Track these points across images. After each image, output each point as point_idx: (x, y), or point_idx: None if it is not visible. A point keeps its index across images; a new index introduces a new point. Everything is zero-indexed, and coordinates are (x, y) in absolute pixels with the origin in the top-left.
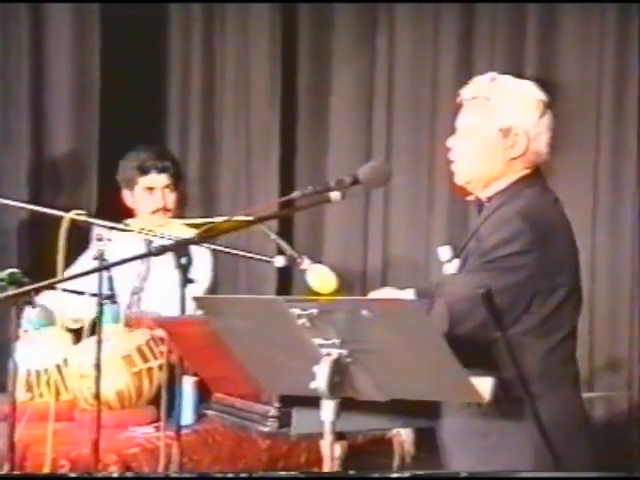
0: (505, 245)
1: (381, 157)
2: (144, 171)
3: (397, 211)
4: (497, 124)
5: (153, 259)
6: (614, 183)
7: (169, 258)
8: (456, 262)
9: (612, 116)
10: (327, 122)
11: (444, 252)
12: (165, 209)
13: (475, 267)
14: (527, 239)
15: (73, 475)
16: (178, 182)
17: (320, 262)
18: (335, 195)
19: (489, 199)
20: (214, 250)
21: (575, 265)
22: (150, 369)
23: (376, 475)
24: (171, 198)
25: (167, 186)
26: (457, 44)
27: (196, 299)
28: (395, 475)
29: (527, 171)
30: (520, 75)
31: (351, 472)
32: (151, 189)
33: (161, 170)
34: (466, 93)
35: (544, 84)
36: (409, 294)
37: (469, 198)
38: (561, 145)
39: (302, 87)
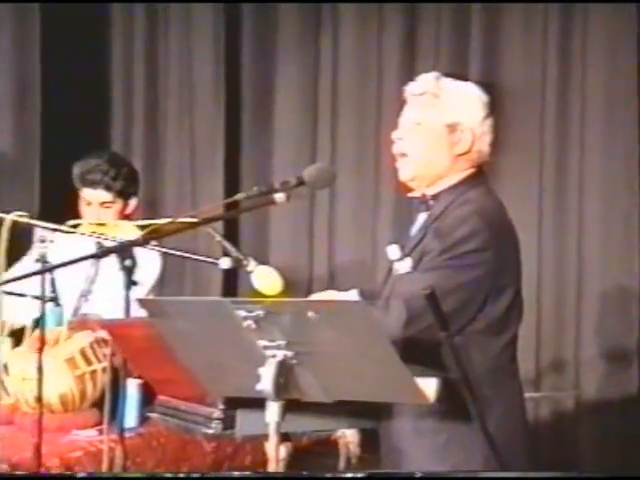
0: (465, 242)
1: (326, 158)
2: (82, 184)
3: (343, 212)
4: (444, 120)
5: (102, 262)
6: (559, 185)
7: (116, 260)
8: (408, 261)
9: (556, 117)
10: (272, 123)
11: (393, 251)
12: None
13: (434, 264)
14: (484, 237)
15: (74, 475)
16: (121, 198)
17: (266, 264)
18: (280, 197)
19: (435, 197)
20: (161, 252)
21: (519, 268)
22: (94, 372)
23: (377, 475)
24: (107, 215)
25: (103, 203)
26: (401, 44)
27: (140, 301)
28: (399, 474)
29: (472, 170)
30: (464, 76)
31: (351, 472)
32: (89, 203)
33: (98, 186)
34: (413, 89)
35: (487, 85)
36: (353, 295)
37: (412, 195)
38: (506, 146)
39: (246, 88)
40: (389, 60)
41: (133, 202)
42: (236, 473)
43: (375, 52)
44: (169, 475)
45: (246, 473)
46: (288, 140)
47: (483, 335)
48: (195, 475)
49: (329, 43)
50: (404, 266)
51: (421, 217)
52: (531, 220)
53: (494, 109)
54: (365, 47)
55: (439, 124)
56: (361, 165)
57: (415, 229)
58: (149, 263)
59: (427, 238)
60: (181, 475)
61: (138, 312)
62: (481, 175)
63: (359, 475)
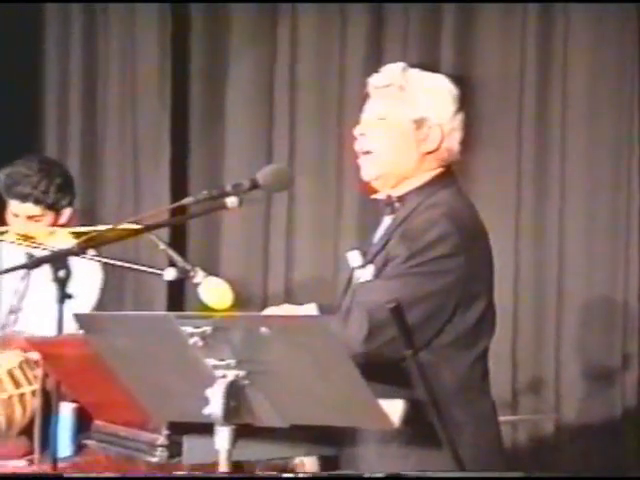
0: (433, 248)
1: (283, 158)
2: (8, 195)
3: (302, 217)
4: (411, 115)
5: (34, 274)
6: (538, 187)
7: (49, 272)
8: (370, 268)
9: (535, 112)
10: (223, 120)
11: (354, 257)
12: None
13: (399, 271)
14: (454, 242)
15: (74, 475)
16: (53, 211)
17: (216, 275)
18: (232, 201)
19: (400, 198)
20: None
21: (492, 276)
22: (22, 395)
23: (380, 475)
24: (34, 229)
25: (31, 217)
26: (367, 32)
27: (76, 316)
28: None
29: (440, 170)
30: (435, 68)
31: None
32: (16, 215)
33: (26, 199)
34: (377, 81)
35: (459, 78)
36: (311, 309)
37: (376, 196)
38: (479, 144)
39: (195, 81)
40: (353, 50)
41: (67, 212)
42: (236, 474)
43: (337, 41)
44: (169, 475)
45: (245, 473)
46: (241, 138)
47: (451, 349)
48: (196, 475)
49: (287, 32)
50: (366, 274)
51: (386, 221)
52: (507, 224)
53: (466, 104)
54: (327, 36)
55: (405, 119)
56: (322, 166)
57: (379, 234)
58: (88, 275)
59: (392, 243)
60: (181, 475)
61: (73, 328)
62: (450, 175)
63: (360, 475)
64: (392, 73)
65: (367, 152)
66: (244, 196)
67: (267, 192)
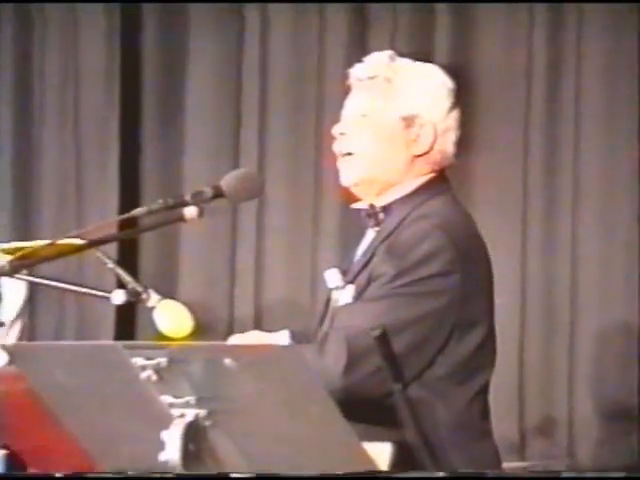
0: (423, 265)
1: (252, 161)
2: None
3: (273, 230)
4: (399, 111)
5: None
6: (548, 196)
7: None
8: (351, 289)
9: (545, 110)
10: (182, 119)
11: (333, 277)
12: None
13: (384, 292)
14: (448, 258)
15: (74, 476)
16: None
17: (173, 297)
18: (191, 211)
19: (386, 208)
20: (31, 283)
21: (492, 298)
22: None
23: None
24: None
25: None
26: (349, 17)
27: (5, 347)
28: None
29: (432, 175)
30: (427, 58)
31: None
32: None
33: None
34: (360, 72)
35: (455, 70)
36: (283, 337)
37: (358, 205)
38: (479, 146)
39: (149, 76)
40: (333, 38)
41: None
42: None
43: (315, 28)
44: (169, 475)
45: (247, 473)
46: (203, 140)
47: (446, 383)
48: (197, 475)
49: (256, 14)
50: (346, 295)
51: (369, 234)
52: (512, 238)
53: (463, 99)
54: (303, 21)
55: (392, 116)
56: (297, 170)
57: (361, 249)
58: (14, 298)
59: (376, 260)
60: (182, 475)
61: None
62: (444, 181)
63: (360, 475)
64: (377, 63)
65: (347, 154)
66: (206, 206)
67: (233, 201)
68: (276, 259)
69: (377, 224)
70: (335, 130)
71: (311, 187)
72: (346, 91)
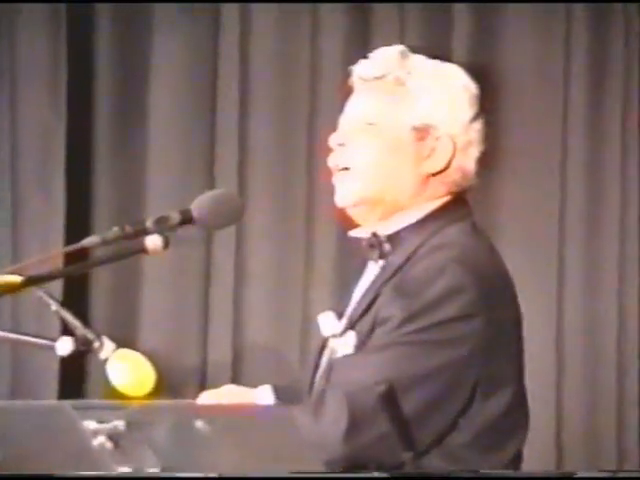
0: (438, 306)
1: (229, 180)
2: None
3: (255, 263)
4: (411, 119)
5: None
6: (590, 218)
7: None
8: (351, 336)
9: (585, 117)
10: (143, 128)
11: (328, 321)
12: None
13: (390, 340)
14: (470, 298)
15: (74, 475)
16: None
17: (132, 346)
18: (155, 241)
19: (393, 237)
20: None
21: (522, 348)
22: None
23: (383, 475)
24: None
25: None
26: (348, 8)
27: None
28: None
29: (449, 198)
30: (444, 54)
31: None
32: None
33: None
34: (366, 70)
35: (480, 71)
36: (265, 394)
37: (357, 233)
38: (509, 161)
39: (102, 82)
40: (329, 31)
41: None
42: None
43: (306, 22)
44: (170, 475)
45: (252, 473)
46: (169, 155)
47: (468, 453)
48: (196, 475)
49: (235, 11)
50: (345, 344)
51: (372, 269)
52: (546, 276)
53: (487, 107)
54: (291, 14)
55: (403, 125)
56: (284, 191)
57: (363, 288)
58: None
59: (381, 300)
60: (182, 475)
61: None
62: (463, 205)
63: (360, 475)
64: (386, 60)
65: (346, 168)
66: (173, 234)
67: (206, 229)
68: (258, 299)
69: (382, 257)
70: (332, 140)
71: (301, 211)
72: (346, 93)
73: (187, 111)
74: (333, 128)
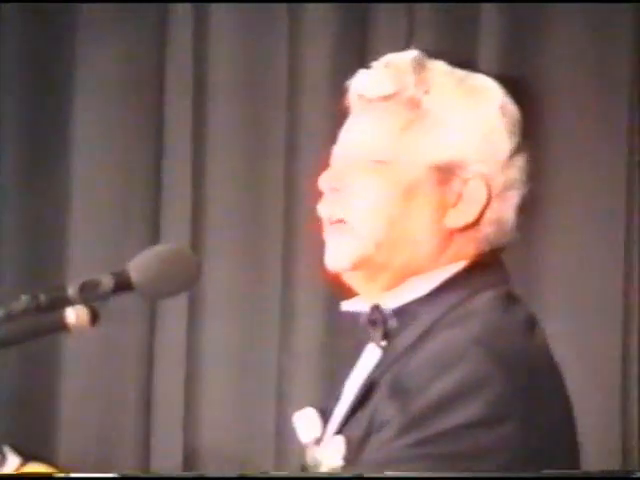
0: (452, 406)
1: (181, 231)
2: None
3: (214, 343)
4: (430, 155)
5: None
6: None
7: None
8: (339, 443)
9: None
10: (64, 160)
11: (309, 422)
12: None
13: (386, 453)
14: (497, 392)
15: (74, 476)
16: None
17: (46, 460)
18: (79, 314)
19: (400, 311)
20: None
21: (576, 463)
22: None
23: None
24: None
25: None
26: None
27: None
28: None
29: (476, 259)
30: (470, 61)
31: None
32: None
33: None
34: (369, 88)
35: (515, 83)
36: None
37: (353, 306)
38: (559, 206)
39: (12, 97)
40: (314, 36)
41: None
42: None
43: (286, 14)
44: (169, 475)
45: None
46: (98, 193)
47: None
48: (195, 475)
49: (187, 9)
50: (331, 454)
51: (371, 353)
52: (607, 363)
53: (531, 135)
54: (264, 12)
55: (419, 164)
56: (255, 245)
57: (358, 378)
58: None
59: (379, 396)
60: (182, 475)
61: None
62: (497, 268)
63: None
64: (397, 72)
65: (341, 221)
66: (104, 304)
67: (148, 297)
68: (218, 390)
69: (386, 337)
70: (323, 183)
71: (277, 272)
72: (340, 115)
73: (123, 137)
74: (324, 163)
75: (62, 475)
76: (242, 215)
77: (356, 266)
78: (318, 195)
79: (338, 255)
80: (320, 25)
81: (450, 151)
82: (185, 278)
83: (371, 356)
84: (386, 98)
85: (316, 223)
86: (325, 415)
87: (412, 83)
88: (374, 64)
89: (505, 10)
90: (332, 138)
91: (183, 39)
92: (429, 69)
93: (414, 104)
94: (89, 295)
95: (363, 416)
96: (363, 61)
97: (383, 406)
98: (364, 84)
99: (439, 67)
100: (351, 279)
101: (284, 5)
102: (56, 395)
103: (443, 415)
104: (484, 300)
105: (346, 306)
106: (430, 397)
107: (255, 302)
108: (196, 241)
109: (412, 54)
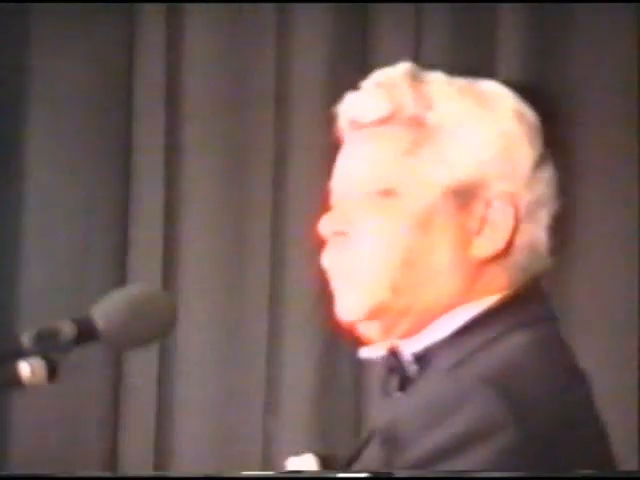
0: (453, 456)
1: (152, 269)
2: None
3: (190, 400)
4: (443, 178)
5: None
6: None
7: None
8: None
9: None
10: (18, 179)
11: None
12: None
13: None
14: (506, 442)
15: (74, 475)
16: None
17: None
18: (34, 367)
19: (420, 358)
20: None
21: None
22: None
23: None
24: None
25: None
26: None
27: None
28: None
29: (510, 292)
30: (476, 69)
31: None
32: None
33: None
34: (362, 111)
35: (537, 92)
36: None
37: (369, 353)
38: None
39: None
40: (308, 38)
41: None
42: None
43: (272, 20)
44: (169, 475)
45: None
46: (53, 226)
47: None
48: (195, 475)
49: (156, 14)
50: None
51: (387, 404)
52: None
53: (555, 143)
54: (242, 18)
55: (432, 189)
56: (240, 287)
57: (370, 430)
58: None
59: (372, 448)
60: (181, 475)
61: None
62: (534, 301)
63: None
64: (392, 89)
65: (348, 267)
66: (63, 356)
67: (116, 348)
68: (197, 452)
69: (403, 387)
70: (325, 227)
71: (262, 316)
72: (333, 147)
73: (85, 158)
74: (321, 197)
75: (62, 475)
76: (222, 249)
77: (372, 315)
78: (319, 242)
79: (351, 305)
80: (315, 28)
81: (466, 170)
82: (159, 325)
83: (388, 407)
84: (383, 121)
85: (317, 272)
86: (326, 462)
87: (411, 100)
88: (364, 84)
89: (524, 12)
90: (324, 172)
91: (154, 44)
92: (427, 82)
93: (417, 123)
94: (46, 346)
95: (358, 465)
96: (363, 70)
97: (371, 456)
98: (356, 108)
99: (438, 78)
100: (367, 329)
101: (272, 5)
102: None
103: (450, 461)
104: (513, 342)
105: (364, 353)
106: (425, 447)
107: (237, 346)
108: (168, 281)
109: (404, 67)
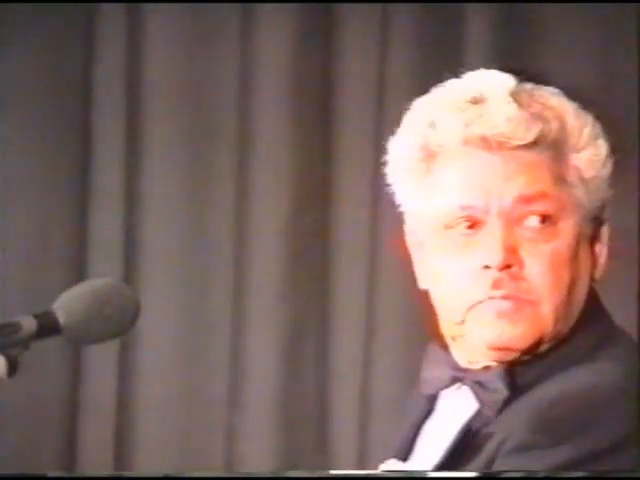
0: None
1: (113, 262)
2: None
3: (161, 389)
4: (588, 202)
5: None
6: None
7: None
8: None
9: None
10: None
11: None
12: None
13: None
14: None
15: (73, 475)
16: None
17: None
18: None
19: (539, 377)
20: None
21: None
22: None
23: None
24: None
25: None
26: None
27: None
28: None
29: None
30: (540, 75)
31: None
32: None
33: None
34: (511, 132)
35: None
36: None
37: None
38: None
39: None
40: (272, 36)
41: None
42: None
43: (238, 20)
44: (170, 475)
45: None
46: (13, 221)
47: None
48: (195, 475)
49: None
50: None
51: (453, 401)
52: None
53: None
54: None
55: (580, 215)
56: (200, 279)
57: (443, 428)
58: None
59: (492, 447)
60: (186, 476)
61: None
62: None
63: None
64: (539, 114)
65: (514, 298)
66: (22, 353)
67: (77, 343)
68: (161, 438)
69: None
70: (494, 261)
71: (227, 323)
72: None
73: (43, 152)
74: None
75: (62, 475)
76: (184, 242)
77: (528, 350)
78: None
79: (512, 337)
80: (279, 26)
81: (600, 195)
82: (122, 320)
83: (456, 405)
84: (529, 146)
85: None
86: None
87: (557, 125)
88: (491, 97)
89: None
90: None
91: (115, 35)
92: (553, 107)
93: (558, 151)
94: (6, 341)
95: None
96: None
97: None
98: (498, 126)
99: (553, 93)
100: (503, 357)
101: (237, 5)
102: None
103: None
104: (611, 354)
105: (473, 366)
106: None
107: (201, 347)
108: (129, 275)
109: (508, 78)
